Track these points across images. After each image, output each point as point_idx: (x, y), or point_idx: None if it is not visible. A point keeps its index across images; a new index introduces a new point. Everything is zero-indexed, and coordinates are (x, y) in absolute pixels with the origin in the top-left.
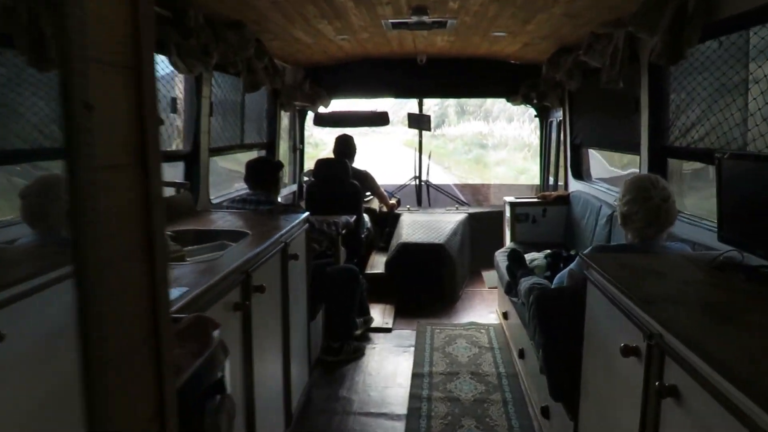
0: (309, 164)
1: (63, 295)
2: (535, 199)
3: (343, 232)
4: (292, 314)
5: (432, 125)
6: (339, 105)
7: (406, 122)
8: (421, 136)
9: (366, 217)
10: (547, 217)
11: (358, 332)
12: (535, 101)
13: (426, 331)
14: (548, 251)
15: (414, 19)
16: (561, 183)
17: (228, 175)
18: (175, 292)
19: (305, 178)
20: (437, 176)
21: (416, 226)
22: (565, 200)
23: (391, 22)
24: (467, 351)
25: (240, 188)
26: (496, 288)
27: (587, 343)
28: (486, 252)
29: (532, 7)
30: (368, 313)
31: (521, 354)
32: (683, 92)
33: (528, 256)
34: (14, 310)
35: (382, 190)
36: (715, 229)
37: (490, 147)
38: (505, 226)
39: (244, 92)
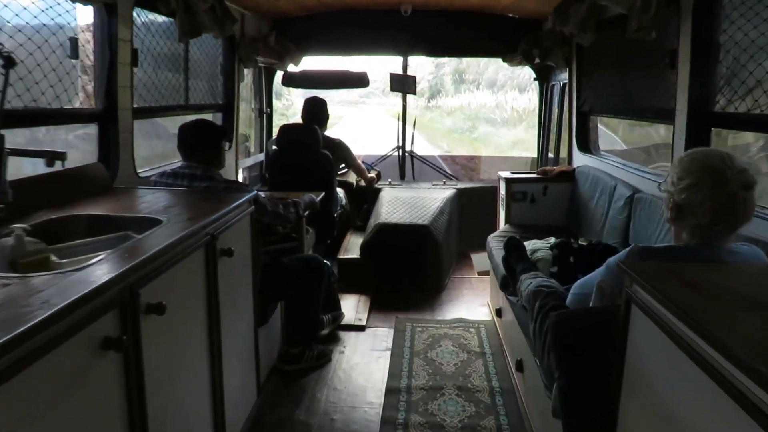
0: None
1: None
2: (535, 175)
3: (306, 214)
4: (227, 325)
5: (426, 96)
6: (312, 64)
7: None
8: (405, 100)
9: (340, 192)
10: (549, 195)
11: (325, 332)
12: (536, 60)
13: (405, 330)
14: (553, 240)
15: None
16: (564, 156)
17: None
18: None
19: (273, 147)
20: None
21: (398, 204)
22: (569, 176)
23: None
24: (454, 357)
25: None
26: (487, 274)
27: (629, 389)
28: (476, 232)
29: None
30: (338, 307)
31: (519, 366)
32: (743, 39)
33: (528, 245)
34: None
35: (359, 161)
36: None
37: (500, 123)
38: (499, 206)
39: (180, 38)
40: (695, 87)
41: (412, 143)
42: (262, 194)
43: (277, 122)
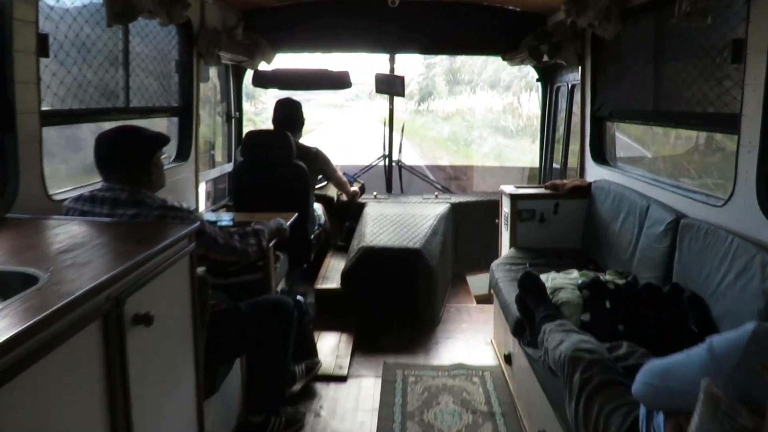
0: None
1: None
2: (543, 190)
3: (272, 243)
4: (146, 412)
5: (416, 99)
6: (287, 62)
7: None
8: (392, 103)
9: (318, 208)
10: (560, 214)
11: (297, 387)
12: (545, 58)
13: (396, 380)
14: (576, 274)
15: None
16: (572, 167)
17: None
18: None
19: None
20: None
21: (384, 222)
22: (583, 192)
23: None
24: (456, 419)
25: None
26: (487, 300)
27: None
28: (473, 252)
29: None
30: (314, 353)
31: None
32: None
33: (546, 279)
34: None
35: (340, 173)
36: None
37: (513, 132)
38: (502, 225)
39: (109, 22)
40: None
41: (400, 152)
42: (213, 217)
43: (249, 128)
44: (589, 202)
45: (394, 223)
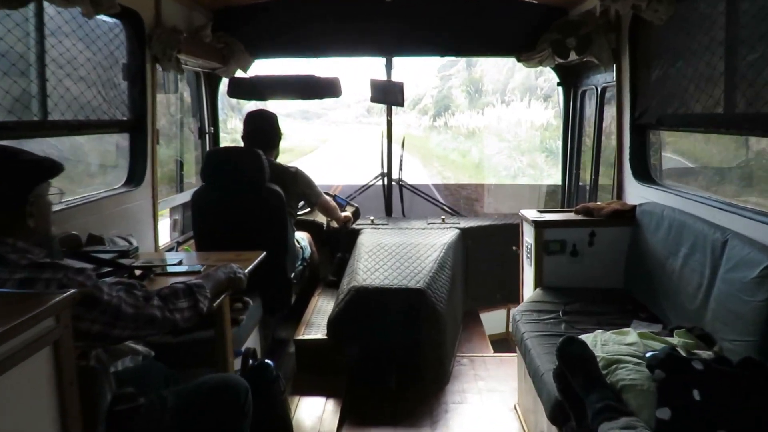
0: None
1: None
2: (574, 216)
3: (220, 300)
4: None
5: (431, 114)
6: (268, 69)
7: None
8: (390, 114)
9: (303, 238)
10: (597, 245)
11: None
12: (571, 56)
13: None
14: (640, 340)
15: None
16: (604, 183)
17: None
18: None
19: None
20: None
21: (382, 254)
22: (626, 218)
23: None
24: None
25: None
26: (506, 342)
27: None
28: (487, 285)
29: None
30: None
31: None
32: None
33: (589, 340)
34: None
35: (327, 197)
36: None
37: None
38: (523, 259)
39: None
40: None
41: (401, 169)
42: (174, 259)
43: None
44: (633, 230)
45: (393, 255)
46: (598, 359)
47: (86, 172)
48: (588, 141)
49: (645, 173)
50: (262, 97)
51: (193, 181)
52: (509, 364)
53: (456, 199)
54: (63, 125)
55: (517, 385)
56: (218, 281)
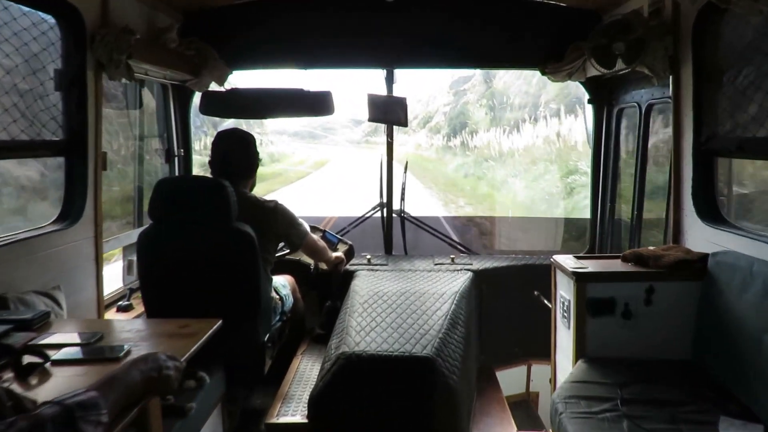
0: None
1: None
2: (622, 264)
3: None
4: None
5: (445, 133)
6: (248, 81)
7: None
8: (390, 135)
9: (285, 286)
10: (657, 305)
11: None
12: (617, 65)
13: None
14: None
15: None
16: (650, 216)
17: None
18: None
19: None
20: None
21: (379, 307)
22: (696, 270)
23: None
24: None
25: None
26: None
27: None
28: (504, 337)
29: None
30: None
31: None
32: None
33: None
34: None
35: (314, 236)
36: None
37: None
38: (558, 320)
39: None
40: None
41: (403, 198)
42: None
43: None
44: (704, 286)
45: (393, 307)
46: None
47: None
48: (626, 168)
49: (713, 212)
50: (240, 115)
51: None
52: None
53: (469, 234)
54: None
55: None
56: (130, 386)
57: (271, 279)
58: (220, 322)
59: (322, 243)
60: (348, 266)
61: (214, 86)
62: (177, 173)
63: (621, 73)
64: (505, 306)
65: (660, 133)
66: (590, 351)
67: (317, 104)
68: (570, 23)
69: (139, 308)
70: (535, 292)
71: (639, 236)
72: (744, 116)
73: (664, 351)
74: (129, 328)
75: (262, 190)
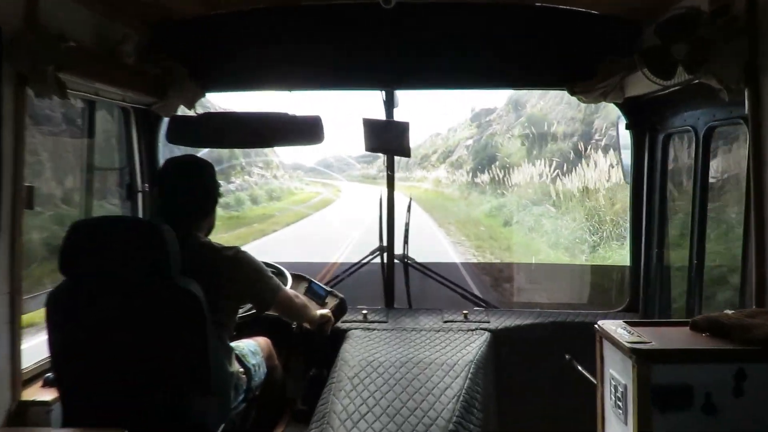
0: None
1: None
2: (693, 337)
3: None
4: None
5: (468, 168)
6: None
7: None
8: (391, 168)
9: (257, 351)
10: (748, 396)
11: None
12: (678, 76)
13: None
14: None
15: None
16: (709, 263)
17: None
18: None
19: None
20: None
21: (374, 383)
22: None
23: None
24: None
25: None
26: None
27: None
28: (530, 422)
29: None
30: None
31: None
32: None
33: None
34: None
35: (290, 293)
36: None
37: None
38: (606, 405)
39: None
40: None
41: (406, 242)
42: None
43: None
44: None
45: (389, 384)
46: None
47: None
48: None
49: None
50: (213, 143)
51: None
52: None
53: (481, 282)
54: None
55: None
56: None
57: (230, 348)
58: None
59: (300, 300)
60: (340, 323)
61: (183, 111)
62: (141, 214)
63: (672, 89)
64: (532, 377)
65: (723, 163)
66: None
67: (305, 131)
68: (603, 35)
69: None
70: (567, 356)
71: (700, 292)
72: None
73: None
74: None
75: (238, 238)
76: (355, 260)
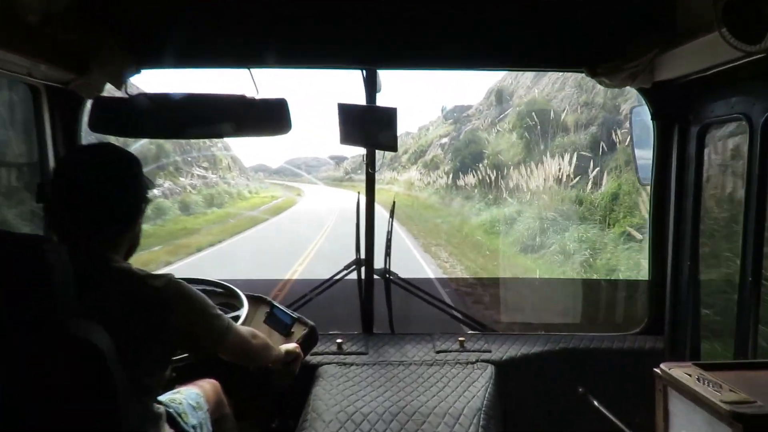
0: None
1: None
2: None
3: None
4: None
5: (445, 168)
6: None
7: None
8: (372, 164)
9: (201, 401)
10: None
11: None
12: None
13: None
14: None
15: None
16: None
17: None
18: None
19: None
20: None
21: None
22: None
23: None
24: None
25: None
26: None
27: None
28: None
29: None
30: None
31: None
32: None
33: None
34: None
35: (244, 331)
36: None
37: None
38: None
39: None
40: None
41: (388, 255)
42: None
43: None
44: None
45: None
46: None
47: None
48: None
49: None
50: (147, 132)
51: None
52: None
53: (471, 303)
54: None
55: None
56: None
57: (157, 415)
58: None
59: (259, 341)
60: (309, 356)
61: (111, 91)
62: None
63: (717, 69)
64: (544, 416)
65: None
66: None
67: (267, 118)
68: (631, 4)
69: None
70: (580, 389)
71: (756, 314)
72: None
73: None
74: None
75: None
76: (315, 275)
